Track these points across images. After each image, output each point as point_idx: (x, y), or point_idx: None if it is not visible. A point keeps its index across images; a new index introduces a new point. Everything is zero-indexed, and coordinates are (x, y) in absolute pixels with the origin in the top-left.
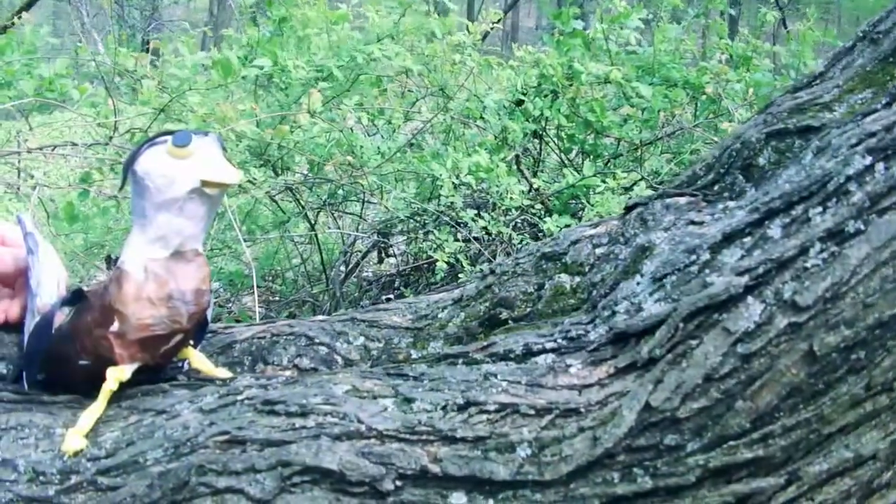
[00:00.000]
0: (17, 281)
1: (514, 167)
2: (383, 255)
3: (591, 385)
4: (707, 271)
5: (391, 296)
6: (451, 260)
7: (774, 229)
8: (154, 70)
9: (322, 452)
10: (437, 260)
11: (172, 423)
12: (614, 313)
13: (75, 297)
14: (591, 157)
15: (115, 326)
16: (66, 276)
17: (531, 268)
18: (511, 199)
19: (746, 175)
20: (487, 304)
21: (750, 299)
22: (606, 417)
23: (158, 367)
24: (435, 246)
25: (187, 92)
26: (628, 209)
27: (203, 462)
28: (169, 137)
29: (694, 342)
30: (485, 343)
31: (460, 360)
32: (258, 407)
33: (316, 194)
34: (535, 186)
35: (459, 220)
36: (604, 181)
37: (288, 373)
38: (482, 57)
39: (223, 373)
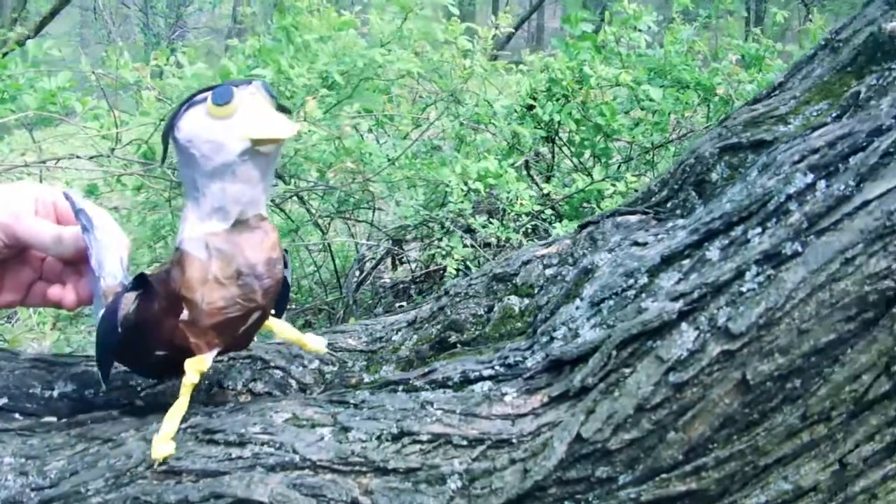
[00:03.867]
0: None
1: (525, 172)
2: (396, 261)
3: (524, 415)
4: (643, 296)
5: (404, 303)
6: (461, 267)
7: (713, 251)
8: (156, 81)
9: (254, 484)
10: (447, 267)
11: (116, 452)
12: (552, 339)
13: (138, 284)
14: (602, 160)
15: (185, 314)
16: (129, 245)
17: (483, 289)
18: (521, 204)
19: (699, 191)
20: (439, 326)
21: (684, 326)
22: (538, 449)
23: (240, 347)
24: (444, 253)
25: None
26: (582, 227)
27: (139, 493)
28: (208, 94)
29: (627, 370)
30: (426, 369)
31: (401, 388)
32: (199, 436)
33: (328, 202)
34: (545, 191)
35: (469, 227)
36: (614, 185)
37: (242, 397)
38: (490, 62)
39: (314, 341)
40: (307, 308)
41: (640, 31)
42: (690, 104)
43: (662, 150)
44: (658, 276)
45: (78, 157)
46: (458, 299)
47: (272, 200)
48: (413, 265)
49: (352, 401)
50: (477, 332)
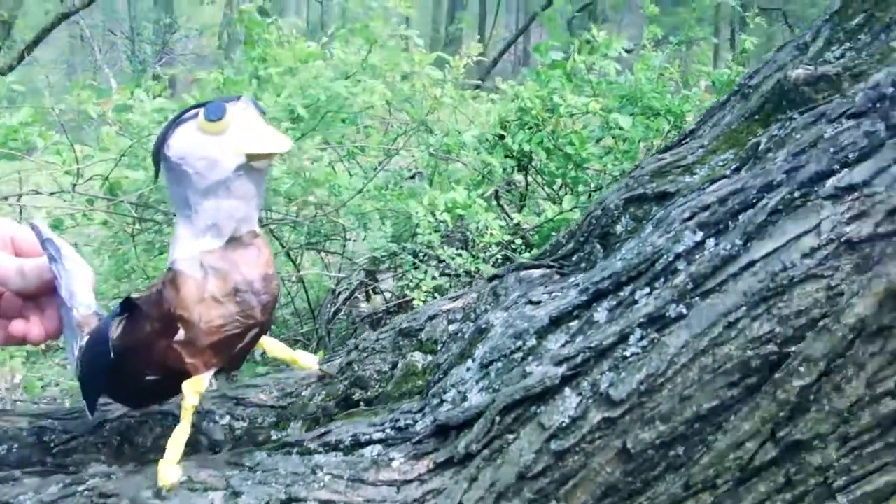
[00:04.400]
0: (40, 296)
1: (495, 202)
2: (370, 292)
3: (410, 481)
4: (530, 359)
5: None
6: (430, 299)
7: (601, 312)
8: (118, 114)
9: None
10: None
11: None
12: (442, 402)
13: (124, 308)
14: (573, 189)
15: (180, 335)
16: (94, 278)
17: (390, 344)
18: (491, 234)
19: (604, 244)
20: (346, 382)
21: (567, 391)
22: None
23: (234, 367)
24: (413, 285)
25: (150, 136)
26: (490, 279)
27: None
28: (199, 111)
29: (510, 437)
30: (322, 430)
31: (295, 450)
32: (94, 500)
33: (300, 233)
34: (515, 221)
35: (438, 258)
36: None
37: (152, 455)
38: (459, 92)
39: (306, 358)
40: (282, 339)
41: (609, 58)
42: (661, 131)
43: None
44: (546, 338)
45: (39, 192)
46: (365, 354)
47: None
48: (388, 295)
49: (248, 463)
50: (380, 390)
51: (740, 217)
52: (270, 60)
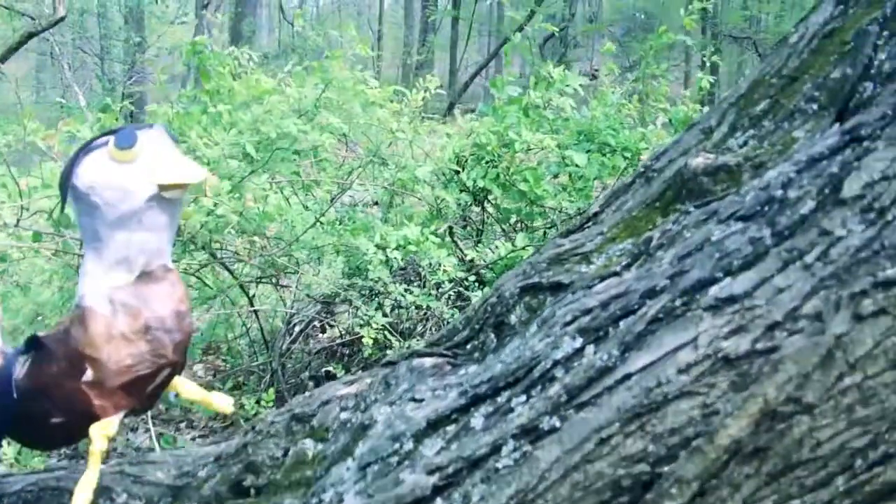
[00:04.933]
0: None
1: (449, 238)
2: (325, 325)
3: None
4: (406, 463)
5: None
6: (380, 336)
7: (478, 418)
8: (65, 146)
9: None
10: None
11: None
12: (321, 502)
13: (30, 346)
14: (527, 227)
15: (88, 375)
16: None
17: (283, 429)
18: (445, 271)
19: (498, 333)
20: (240, 465)
21: (439, 502)
22: None
23: (146, 408)
24: (362, 322)
25: None
26: (385, 364)
27: None
28: (109, 139)
29: None
30: None
31: None
32: None
33: (254, 266)
34: (468, 258)
35: (389, 295)
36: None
37: None
38: (414, 126)
39: (220, 400)
40: (237, 370)
41: (566, 94)
42: (617, 168)
43: None
44: (422, 442)
45: None
46: (260, 437)
47: (190, 266)
48: (342, 328)
49: None
50: (271, 477)
51: (621, 324)
52: (224, 94)
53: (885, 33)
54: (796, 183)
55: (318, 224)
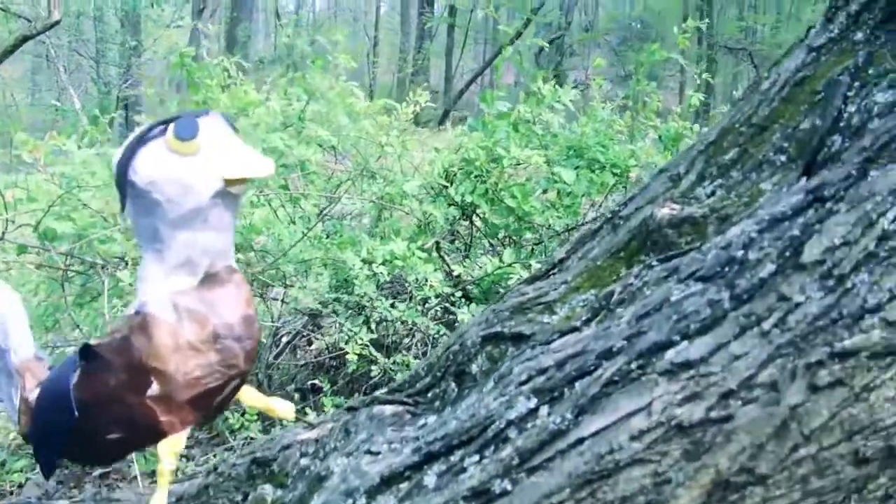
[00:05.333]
0: None
1: (436, 253)
2: (311, 339)
3: None
4: None
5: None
6: (365, 352)
7: (431, 477)
8: (51, 157)
9: None
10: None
11: None
12: None
13: (83, 356)
14: (515, 243)
15: (154, 389)
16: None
17: (244, 472)
18: (431, 286)
19: (459, 382)
20: None
21: None
22: None
23: (209, 421)
24: (347, 337)
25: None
26: (348, 409)
27: None
28: (168, 127)
29: None
30: None
31: None
32: None
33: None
34: (455, 273)
35: (375, 309)
36: (528, 268)
37: None
38: (402, 140)
39: (282, 406)
40: None
41: (556, 110)
42: (606, 185)
43: (575, 234)
44: (375, 499)
45: None
46: (221, 479)
47: None
48: (328, 341)
49: None
50: None
51: (576, 385)
52: (213, 104)
53: (857, 84)
54: (757, 244)
55: (304, 238)
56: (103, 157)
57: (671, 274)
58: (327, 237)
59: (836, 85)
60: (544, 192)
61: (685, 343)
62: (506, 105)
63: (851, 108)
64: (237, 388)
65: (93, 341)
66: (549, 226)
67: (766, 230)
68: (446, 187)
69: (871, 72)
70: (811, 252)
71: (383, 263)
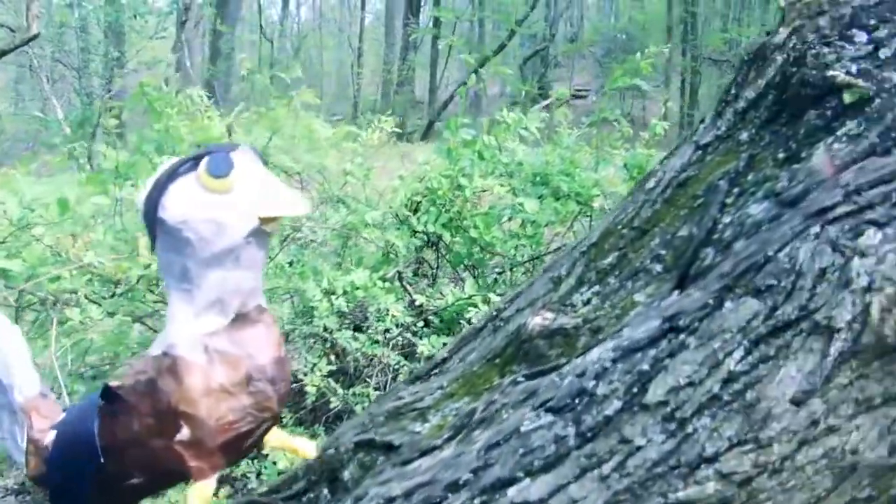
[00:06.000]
0: None
1: (398, 283)
2: None
3: None
4: None
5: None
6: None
7: None
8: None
9: None
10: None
11: None
12: None
13: (104, 397)
14: (478, 273)
15: (184, 434)
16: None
17: None
18: (394, 316)
19: (333, 489)
20: None
21: None
22: None
23: (235, 463)
24: (306, 371)
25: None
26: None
27: None
28: (199, 164)
29: None
30: None
31: None
32: None
33: None
34: (417, 303)
35: (335, 341)
36: (486, 300)
37: None
38: (364, 168)
39: (305, 445)
40: None
41: (523, 138)
42: (570, 214)
43: (538, 263)
44: None
45: None
46: None
47: (134, 312)
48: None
49: None
50: None
51: None
52: (174, 133)
53: (736, 190)
54: (609, 375)
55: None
56: (57, 188)
57: (529, 397)
58: (290, 265)
59: (715, 191)
60: (509, 219)
61: (527, 481)
62: (470, 132)
63: (726, 219)
64: (267, 431)
65: (113, 382)
66: (513, 255)
67: (620, 359)
68: (408, 217)
69: (750, 178)
70: (655, 391)
71: (344, 294)
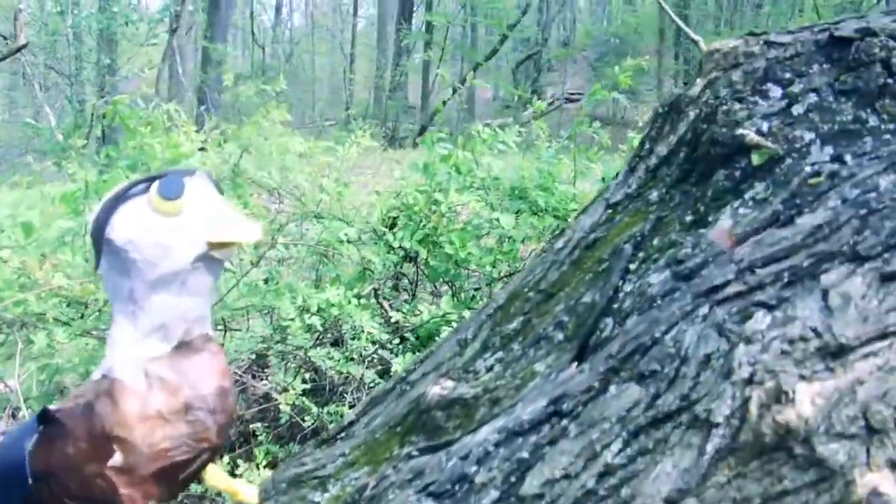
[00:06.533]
0: None
1: (373, 299)
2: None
3: None
4: None
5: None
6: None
7: None
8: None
9: None
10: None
11: None
12: None
13: (41, 421)
14: (456, 289)
15: (116, 459)
16: None
17: None
18: (369, 334)
19: None
20: None
21: None
22: None
23: (172, 498)
24: (281, 388)
25: None
26: None
27: None
28: (151, 186)
29: None
30: None
31: None
32: None
33: None
34: (393, 320)
35: (309, 360)
36: (461, 317)
37: None
38: (339, 183)
39: (247, 491)
40: None
41: (501, 151)
42: (547, 229)
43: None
44: None
45: None
46: None
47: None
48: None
49: None
50: None
51: None
52: (148, 150)
53: (641, 255)
54: (490, 461)
55: (239, 285)
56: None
57: (416, 477)
58: (265, 283)
59: (619, 255)
60: (488, 233)
61: None
62: (447, 147)
63: (628, 287)
64: (206, 463)
65: (52, 406)
66: (489, 272)
67: (504, 443)
68: (385, 233)
69: (655, 242)
70: (532, 483)
71: (319, 311)
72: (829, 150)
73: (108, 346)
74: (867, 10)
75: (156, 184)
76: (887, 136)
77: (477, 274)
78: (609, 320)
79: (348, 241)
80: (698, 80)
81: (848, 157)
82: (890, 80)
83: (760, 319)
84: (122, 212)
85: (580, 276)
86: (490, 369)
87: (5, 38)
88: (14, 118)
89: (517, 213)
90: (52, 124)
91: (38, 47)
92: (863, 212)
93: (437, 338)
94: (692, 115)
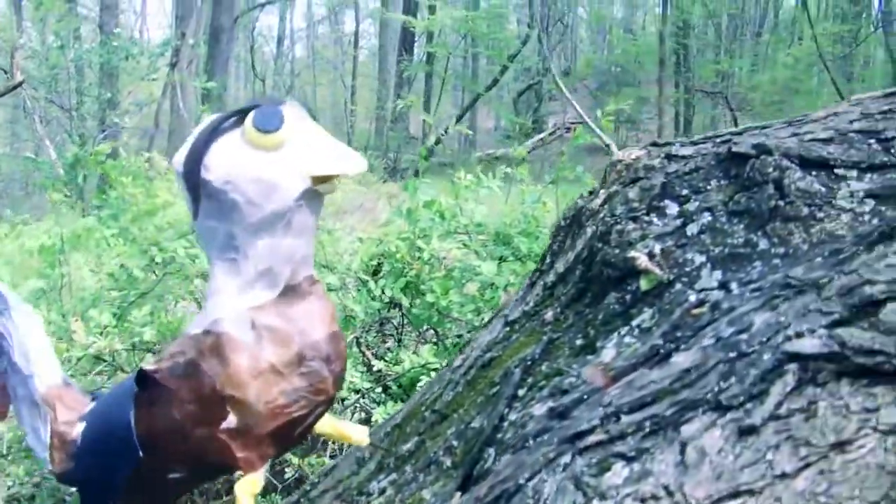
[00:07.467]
0: None
1: (356, 348)
2: None
3: None
4: None
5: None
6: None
7: None
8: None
9: None
10: None
11: None
12: None
13: (139, 383)
14: (440, 336)
15: (231, 421)
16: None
17: None
18: (351, 383)
19: None
20: None
21: None
22: None
23: (284, 453)
24: None
25: None
26: None
27: None
28: (245, 119)
29: None
30: None
31: None
32: None
33: None
34: (376, 368)
35: None
36: (444, 366)
37: None
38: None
39: (356, 432)
40: None
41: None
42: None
43: None
44: None
45: None
46: None
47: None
48: None
49: None
50: None
51: None
52: (131, 201)
53: (529, 380)
54: None
55: None
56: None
57: None
58: None
59: (509, 380)
60: (469, 281)
61: None
62: (430, 192)
63: (512, 416)
64: (320, 417)
65: (148, 366)
66: (470, 320)
67: None
68: (367, 281)
69: (544, 368)
70: None
71: None
72: (717, 275)
73: (209, 298)
74: (864, 37)
75: (251, 116)
76: (776, 262)
77: (461, 321)
78: (492, 451)
79: (330, 290)
80: (601, 191)
81: (734, 285)
82: (781, 202)
83: (618, 473)
84: (215, 150)
85: (473, 397)
86: (382, 492)
87: (6, 72)
88: (15, 151)
89: (500, 259)
90: (52, 158)
91: (39, 81)
92: (732, 355)
93: (419, 386)
94: (589, 231)
